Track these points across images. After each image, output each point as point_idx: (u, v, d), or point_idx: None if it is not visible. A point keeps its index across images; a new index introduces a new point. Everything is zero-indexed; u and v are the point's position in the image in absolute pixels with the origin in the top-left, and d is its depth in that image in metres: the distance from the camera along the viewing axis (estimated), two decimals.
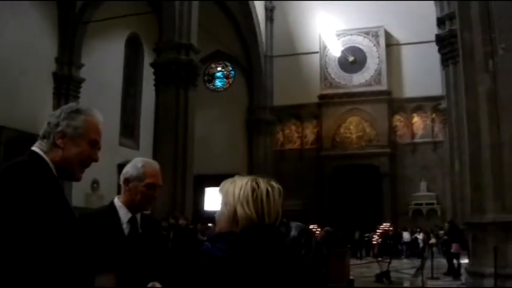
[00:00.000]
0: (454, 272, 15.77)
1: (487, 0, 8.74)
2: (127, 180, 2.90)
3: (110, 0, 24.69)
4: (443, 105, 25.31)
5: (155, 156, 19.46)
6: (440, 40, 19.92)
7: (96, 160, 2.19)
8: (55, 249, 1.86)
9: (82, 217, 2.78)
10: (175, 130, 19.38)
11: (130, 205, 2.88)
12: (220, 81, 34.47)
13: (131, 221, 2.87)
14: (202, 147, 25.36)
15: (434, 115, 29.21)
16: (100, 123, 2.21)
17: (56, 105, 22.40)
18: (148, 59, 26.64)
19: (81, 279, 1.98)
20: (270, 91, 32.35)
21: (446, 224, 19.53)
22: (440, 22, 20.04)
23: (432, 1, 26.42)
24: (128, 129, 27.84)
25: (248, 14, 30.71)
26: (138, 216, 2.91)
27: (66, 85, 24.13)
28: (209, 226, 17.35)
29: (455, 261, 16.19)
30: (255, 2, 31.01)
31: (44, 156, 2.06)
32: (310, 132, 31.82)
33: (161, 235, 3.22)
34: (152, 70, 20.71)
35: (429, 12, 25.65)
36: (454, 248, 16.23)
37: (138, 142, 28.16)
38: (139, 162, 2.94)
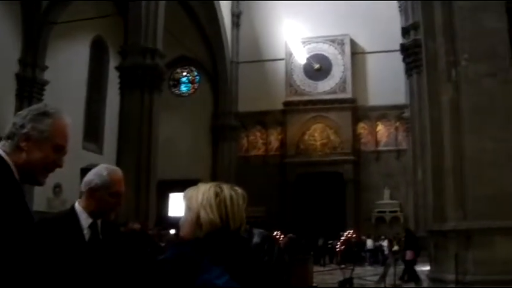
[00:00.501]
0: (410, 277, 15.93)
1: (451, 0, 8.82)
2: (92, 189, 2.84)
3: (76, 0, 24.48)
4: (407, 113, 25.57)
5: (118, 161, 19.30)
6: (404, 49, 20.14)
7: (61, 166, 2.11)
8: (12, 253, 1.81)
9: (42, 222, 2.73)
10: (139, 135, 19.22)
11: (93, 211, 2.82)
12: (185, 86, 34.34)
13: (92, 227, 2.82)
14: (166, 153, 25.25)
15: (397, 123, 29.47)
16: (67, 126, 2.11)
17: (19, 108, 22.04)
18: (113, 62, 26.45)
19: (39, 284, 1.93)
20: (235, 97, 32.30)
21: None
22: (405, 32, 20.27)
23: (398, 11, 26.79)
24: (92, 133, 27.48)
25: (214, 19, 30.66)
26: (99, 221, 2.86)
27: (29, 87, 23.72)
28: (167, 232, 17.20)
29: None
30: (221, 7, 30.98)
31: (7, 158, 1.96)
32: (274, 139, 31.84)
33: (122, 241, 3.16)
34: (118, 73, 20.55)
35: (395, 21, 25.98)
36: (408, 255, 16.41)
37: (102, 146, 27.85)
38: (103, 170, 2.88)
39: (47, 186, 22.44)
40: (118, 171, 2.95)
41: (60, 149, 2.08)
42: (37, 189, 19.20)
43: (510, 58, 8.39)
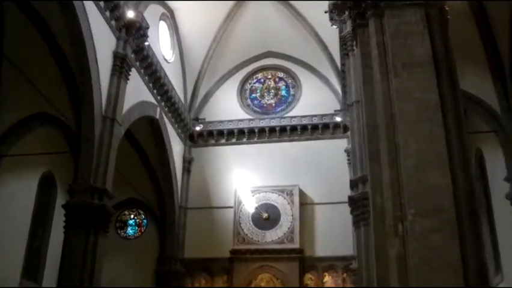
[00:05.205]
0: None
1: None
2: None
3: (28, 136, 24.56)
4: (355, 265, 25.52)
5: None
6: (352, 202, 20.38)
7: None
8: None
9: None
10: (81, 276, 18.72)
11: None
12: (132, 229, 33.82)
13: None
14: None
15: (345, 275, 29.30)
16: None
17: None
18: (60, 199, 26.13)
19: None
20: (182, 243, 31.89)
21: None
22: (353, 184, 20.61)
23: (347, 163, 27.52)
24: (32, 270, 26.45)
25: (166, 164, 30.87)
26: None
27: None
28: None
29: None
30: (173, 152, 31.36)
31: None
32: None
33: None
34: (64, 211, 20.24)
35: (344, 174, 26.62)
36: None
37: (41, 284, 26.76)
38: None
39: None
40: None
41: None
42: None
43: (455, 213, 8.58)
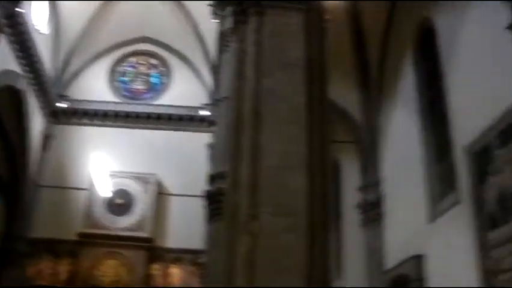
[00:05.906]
0: None
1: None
2: None
3: None
4: (204, 259, 25.58)
5: None
6: (208, 196, 20.43)
7: None
8: None
9: None
10: None
11: None
12: None
13: None
14: None
15: (193, 268, 29.38)
16: None
17: None
18: None
19: None
20: (31, 221, 30.67)
21: None
22: (212, 179, 20.67)
23: (207, 159, 27.59)
24: None
25: (23, 138, 29.58)
26: None
27: None
28: None
29: None
30: (33, 127, 30.14)
31: None
32: (64, 271, 30.18)
33: None
34: None
35: (203, 168, 26.60)
36: None
37: None
38: None
39: None
40: None
41: None
42: None
43: (309, 216, 8.81)
